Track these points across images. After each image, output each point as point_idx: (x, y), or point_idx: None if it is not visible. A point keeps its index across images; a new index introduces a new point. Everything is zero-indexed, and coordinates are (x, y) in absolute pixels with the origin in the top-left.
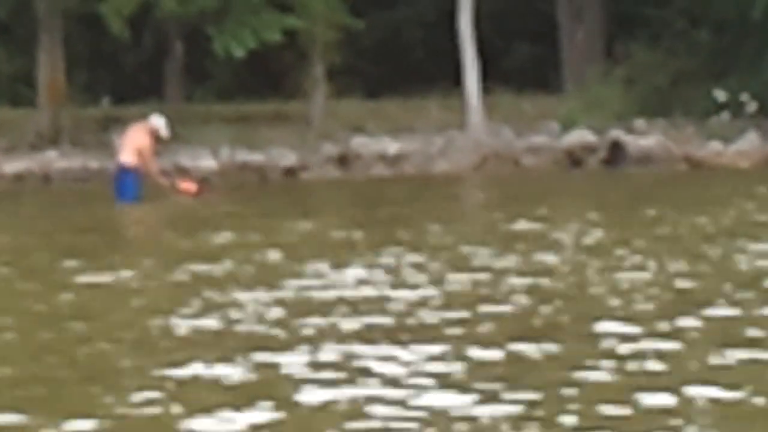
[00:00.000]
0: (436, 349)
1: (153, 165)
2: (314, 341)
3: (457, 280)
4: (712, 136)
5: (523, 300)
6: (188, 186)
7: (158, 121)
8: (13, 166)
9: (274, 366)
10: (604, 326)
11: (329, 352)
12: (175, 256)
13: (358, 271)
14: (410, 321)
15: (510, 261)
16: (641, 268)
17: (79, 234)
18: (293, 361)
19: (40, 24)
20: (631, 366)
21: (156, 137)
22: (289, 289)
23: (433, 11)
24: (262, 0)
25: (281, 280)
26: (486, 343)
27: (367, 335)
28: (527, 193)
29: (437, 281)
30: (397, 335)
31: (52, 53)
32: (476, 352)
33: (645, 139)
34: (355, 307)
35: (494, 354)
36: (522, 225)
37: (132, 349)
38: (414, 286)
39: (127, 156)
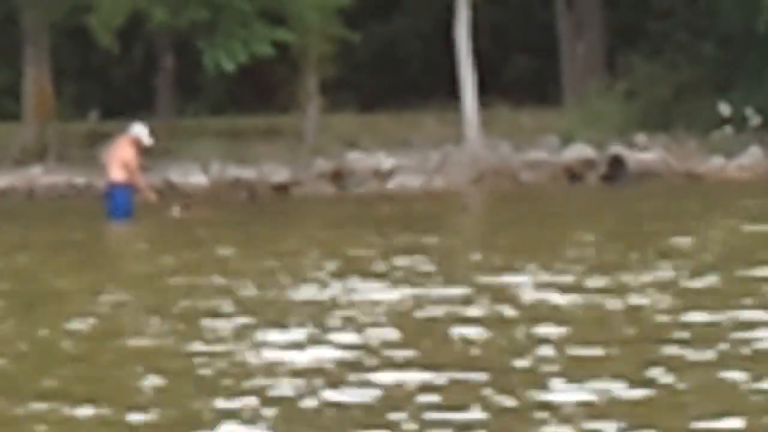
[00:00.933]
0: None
1: (138, 176)
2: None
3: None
4: (714, 151)
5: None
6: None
7: (139, 130)
8: None
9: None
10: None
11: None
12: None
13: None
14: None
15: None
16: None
17: (70, 253)
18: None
19: (26, 36)
20: None
21: (140, 147)
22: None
23: (430, 23)
24: (253, 11)
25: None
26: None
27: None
28: (526, 211)
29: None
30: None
31: (39, 66)
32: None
33: (646, 153)
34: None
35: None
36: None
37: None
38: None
39: (115, 172)
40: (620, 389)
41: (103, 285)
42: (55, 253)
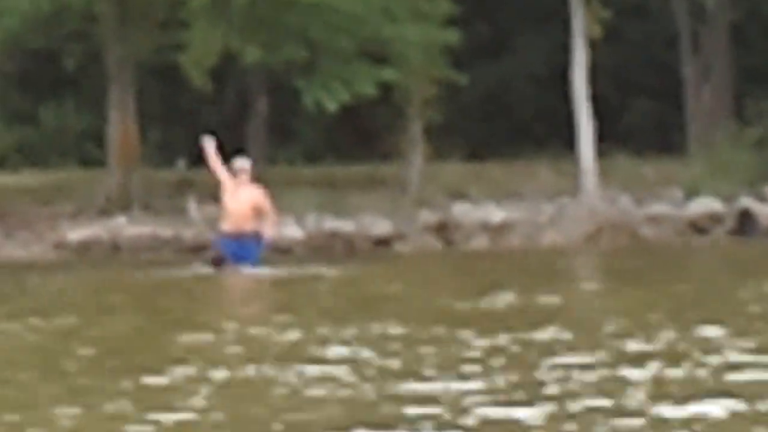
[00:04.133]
0: None
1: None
2: None
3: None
4: None
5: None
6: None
7: (243, 162)
8: (79, 233)
9: None
10: None
11: None
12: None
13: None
14: None
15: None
16: None
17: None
18: None
19: (110, 77)
20: None
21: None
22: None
23: (544, 65)
24: (353, 50)
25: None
26: None
27: None
28: (647, 272)
29: None
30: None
31: (124, 109)
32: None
33: None
34: None
35: None
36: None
37: None
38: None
39: (247, 222)
40: None
41: None
42: None
